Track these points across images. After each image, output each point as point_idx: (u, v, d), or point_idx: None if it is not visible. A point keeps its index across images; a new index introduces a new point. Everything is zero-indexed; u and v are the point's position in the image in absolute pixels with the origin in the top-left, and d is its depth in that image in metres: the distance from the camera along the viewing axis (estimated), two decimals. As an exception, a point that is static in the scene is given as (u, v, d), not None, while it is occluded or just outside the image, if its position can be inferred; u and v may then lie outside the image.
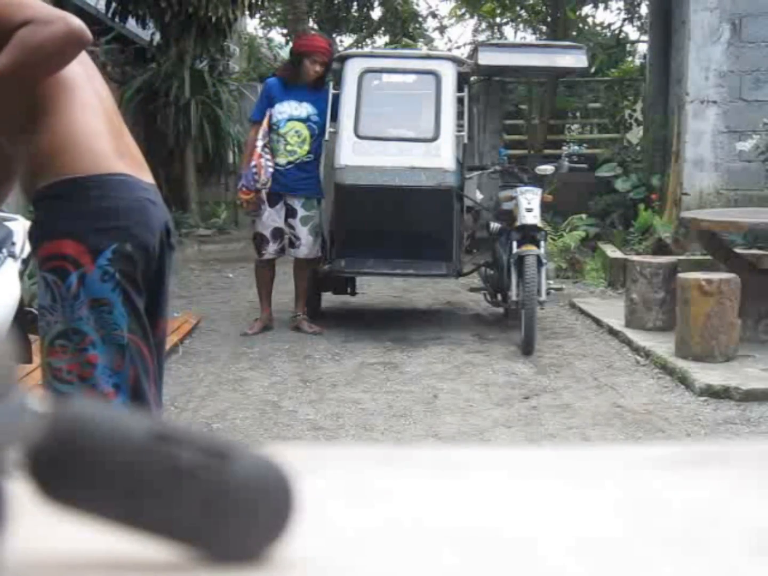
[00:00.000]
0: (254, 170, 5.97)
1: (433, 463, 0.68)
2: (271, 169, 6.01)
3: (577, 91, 14.13)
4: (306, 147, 6.11)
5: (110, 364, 2.11)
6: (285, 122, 6.11)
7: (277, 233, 6.14)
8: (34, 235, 2.14)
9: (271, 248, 6.16)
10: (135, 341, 2.13)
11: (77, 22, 1.97)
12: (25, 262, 3.02)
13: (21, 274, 3.01)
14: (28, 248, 2.85)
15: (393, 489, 0.62)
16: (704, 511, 0.59)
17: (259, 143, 6.06)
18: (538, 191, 6.27)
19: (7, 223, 2.84)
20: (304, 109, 6.14)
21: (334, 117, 6.17)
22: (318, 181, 6.22)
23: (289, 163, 6.09)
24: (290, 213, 6.15)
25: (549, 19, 15.41)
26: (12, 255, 2.91)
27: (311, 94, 6.14)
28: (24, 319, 2.94)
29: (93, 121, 2.10)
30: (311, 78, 6.09)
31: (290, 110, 6.13)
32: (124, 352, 2.11)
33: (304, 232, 6.14)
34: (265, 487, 0.50)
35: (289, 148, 6.10)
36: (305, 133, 6.11)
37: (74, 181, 2.04)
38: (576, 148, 13.88)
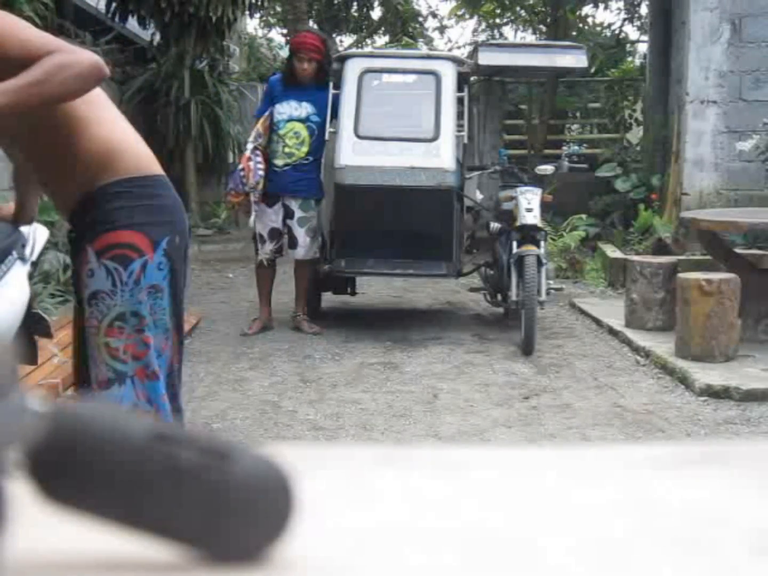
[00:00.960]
0: (242, 173, 5.97)
1: (433, 463, 0.68)
2: (261, 172, 6.00)
3: (577, 91, 14.14)
4: (304, 148, 6.10)
5: (158, 346, 2.34)
6: (284, 123, 6.10)
7: (275, 233, 6.14)
8: (87, 230, 2.32)
9: (268, 248, 6.16)
10: (172, 325, 2.38)
11: (99, 58, 2.17)
12: (33, 264, 3.09)
13: (30, 276, 3.05)
14: (37, 251, 3.03)
15: (393, 489, 0.62)
16: (704, 511, 0.59)
17: (249, 146, 6.06)
18: (538, 191, 6.27)
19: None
20: (304, 109, 6.13)
21: (334, 117, 6.17)
22: (316, 182, 6.20)
23: (286, 164, 6.09)
24: (288, 214, 6.15)
25: (549, 19, 15.40)
26: (22, 258, 2.96)
27: (312, 93, 6.13)
28: (30, 321, 2.98)
29: (129, 129, 2.40)
30: (301, 76, 6.08)
31: (290, 111, 6.12)
32: (168, 335, 2.36)
33: (301, 234, 6.14)
34: (265, 487, 0.50)
35: (287, 150, 6.09)
36: (304, 134, 6.11)
37: (131, 181, 2.31)
38: (576, 148, 13.88)
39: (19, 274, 2.92)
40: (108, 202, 2.29)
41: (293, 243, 6.17)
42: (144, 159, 2.39)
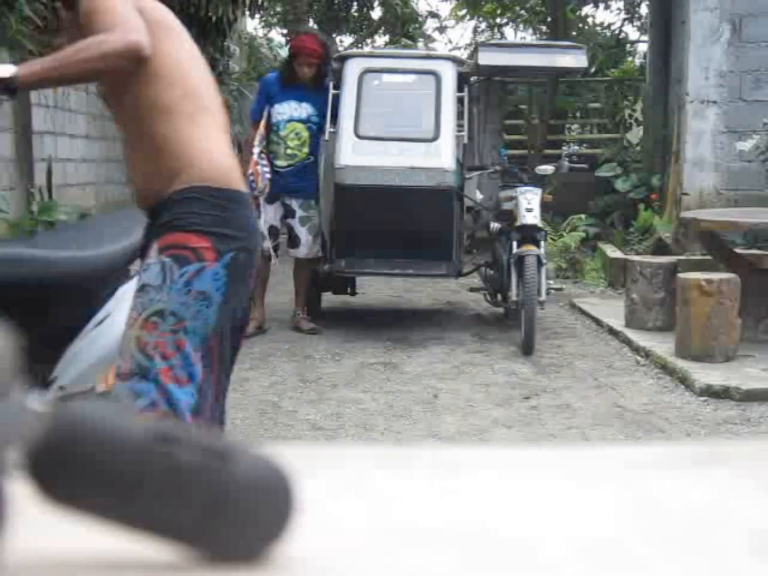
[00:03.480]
0: (251, 178, 5.94)
1: (433, 463, 0.68)
2: (268, 175, 5.99)
3: (577, 91, 14.14)
4: (305, 149, 6.09)
5: (191, 354, 2.26)
6: (285, 124, 6.09)
7: (272, 231, 6.14)
8: (156, 228, 2.35)
9: (265, 245, 6.12)
10: (215, 344, 2.30)
11: (138, 41, 2.19)
12: (289, 232, 3.44)
13: None
14: None
15: (393, 489, 0.62)
16: (704, 511, 0.59)
17: (255, 150, 6.02)
18: (538, 191, 6.27)
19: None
20: (304, 109, 6.12)
21: (335, 117, 6.16)
22: (316, 182, 6.21)
23: (289, 165, 6.08)
24: (288, 213, 6.15)
25: (549, 19, 15.41)
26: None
27: (311, 93, 6.12)
28: None
29: (222, 138, 2.43)
30: (303, 78, 6.08)
31: (290, 111, 6.11)
32: (205, 348, 2.28)
33: (303, 232, 6.13)
34: (265, 487, 0.50)
35: (289, 151, 6.08)
36: (305, 134, 6.10)
37: (209, 189, 2.32)
38: (576, 148, 13.88)
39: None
40: (183, 204, 2.33)
41: (295, 242, 6.17)
42: (228, 172, 2.41)
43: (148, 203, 2.40)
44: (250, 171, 5.96)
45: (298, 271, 6.29)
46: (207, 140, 2.40)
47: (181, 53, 2.42)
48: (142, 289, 2.31)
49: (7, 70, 2.19)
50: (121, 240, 2.85)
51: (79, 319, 2.75)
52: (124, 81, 2.28)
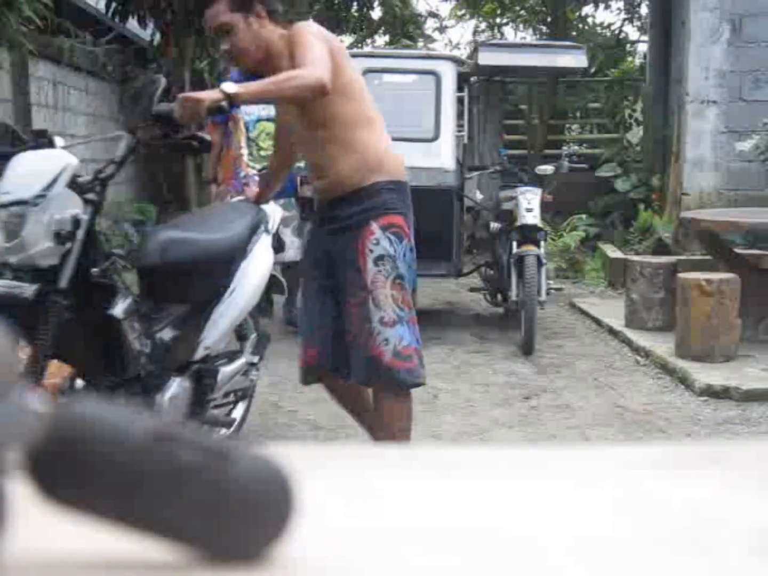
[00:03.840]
0: (244, 180, 5.75)
1: (433, 463, 0.68)
2: (257, 177, 5.69)
3: (577, 91, 14.13)
4: None
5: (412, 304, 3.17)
6: (254, 124, 5.85)
7: None
8: (367, 211, 3.09)
9: None
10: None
11: (322, 79, 2.83)
12: (273, 235, 3.82)
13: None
14: (275, 225, 3.81)
15: (393, 489, 0.62)
16: (704, 511, 0.59)
17: (245, 151, 5.77)
18: (538, 191, 6.27)
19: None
20: (272, 107, 5.97)
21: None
22: (294, 180, 5.90)
23: (264, 168, 5.86)
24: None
25: (549, 19, 15.40)
26: (267, 231, 3.69)
27: None
28: (269, 282, 3.70)
29: (387, 139, 3.20)
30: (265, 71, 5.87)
31: (257, 110, 5.82)
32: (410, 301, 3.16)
33: (287, 234, 5.87)
34: (265, 487, 0.50)
35: (262, 153, 5.79)
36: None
37: (395, 182, 3.13)
38: (576, 148, 13.87)
39: (265, 242, 3.65)
40: (382, 194, 3.09)
41: (281, 246, 5.88)
42: (399, 167, 3.19)
43: (337, 193, 3.11)
44: (243, 173, 5.77)
45: (287, 276, 5.83)
46: (383, 142, 3.16)
47: (354, 74, 3.13)
48: (381, 258, 3.08)
49: (230, 87, 2.79)
50: (236, 226, 3.43)
51: (217, 290, 3.34)
52: (322, 99, 2.90)
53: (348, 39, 18.17)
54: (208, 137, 3.21)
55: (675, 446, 0.79)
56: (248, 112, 5.85)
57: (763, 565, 0.51)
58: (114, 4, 11.43)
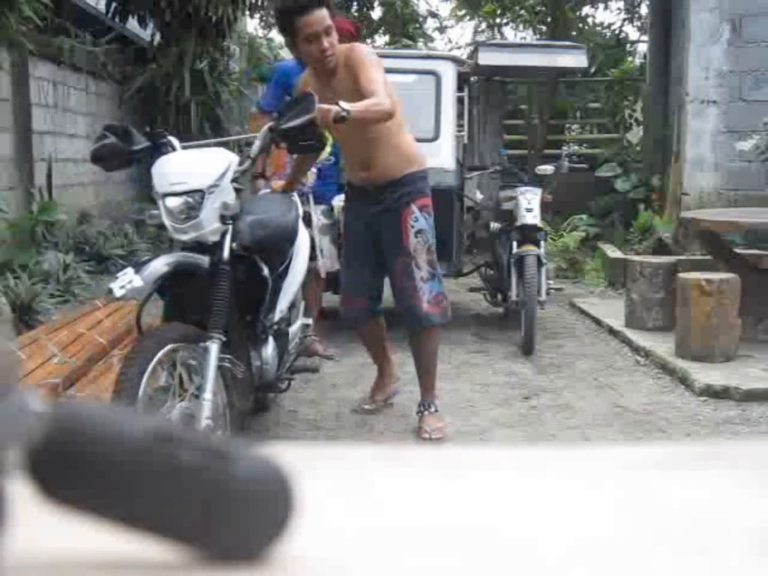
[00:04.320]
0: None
1: (433, 463, 0.68)
2: (313, 170, 5.41)
3: (577, 91, 14.13)
4: (328, 148, 5.19)
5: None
6: None
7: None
8: (406, 195, 4.12)
9: (320, 262, 5.44)
10: None
11: (392, 106, 3.82)
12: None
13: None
14: (301, 211, 4.42)
15: (393, 489, 0.62)
16: (704, 511, 0.59)
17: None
18: (538, 191, 6.27)
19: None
20: None
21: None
22: (337, 186, 5.60)
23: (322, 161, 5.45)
24: (306, 223, 5.11)
25: (549, 19, 15.40)
26: (299, 215, 4.33)
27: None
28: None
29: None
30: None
31: None
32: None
33: (326, 243, 5.62)
34: (265, 487, 0.50)
35: None
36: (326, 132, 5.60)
37: (425, 171, 4.23)
38: (576, 148, 13.88)
39: (302, 225, 4.38)
40: (417, 181, 4.15)
41: (316, 255, 5.30)
42: (424, 157, 4.29)
43: (381, 182, 4.09)
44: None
45: (315, 286, 5.53)
46: (412, 139, 4.23)
47: (391, 84, 3.95)
48: (420, 232, 4.14)
49: (347, 106, 3.58)
50: (290, 211, 4.15)
51: (285, 263, 4.05)
52: None
53: (348, 39, 18.18)
54: (324, 138, 3.81)
55: (675, 446, 0.79)
56: None
57: (763, 565, 0.51)
58: (114, 4, 11.42)
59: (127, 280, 3.17)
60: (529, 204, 6.12)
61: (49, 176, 8.93)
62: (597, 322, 6.77)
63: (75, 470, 0.48)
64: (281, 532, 0.50)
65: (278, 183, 5.14)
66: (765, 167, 8.02)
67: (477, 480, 0.64)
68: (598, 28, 16.39)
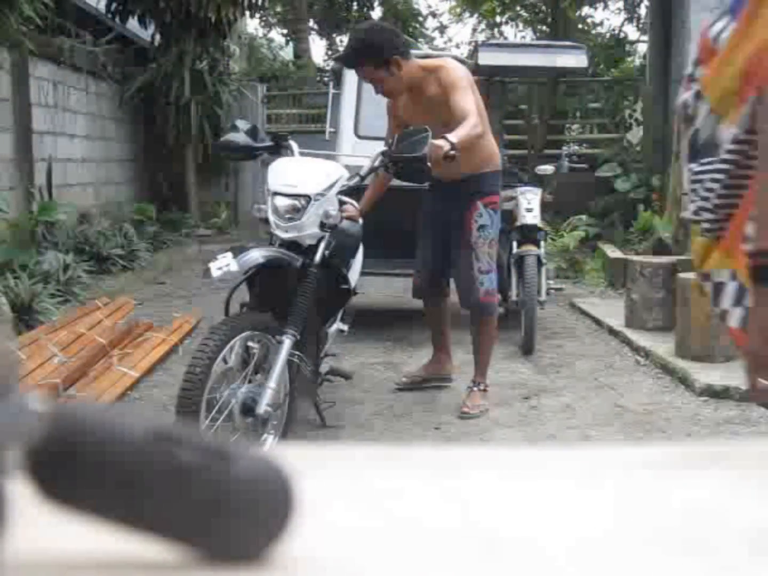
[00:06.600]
0: None
1: (433, 463, 0.68)
2: None
3: (577, 91, 14.13)
4: None
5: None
6: None
7: None
8: (477, 191, 4.53)
9: None
10: None
11: (482, 129, 4.19)
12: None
13: None
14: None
15: (393, 489, 0.62)
16: (704, 511, 0.59)
17: None
18: (538, 191, 6.27)
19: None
20: None
21: (335, 117, 6.14)
22: None
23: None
24: None
25: (549, 19, 15.40)
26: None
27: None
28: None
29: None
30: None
31: None
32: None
33: None
34: (265, 487, 0.50)
35: None
36: None
37: (498, 171, 4.64)
38: (576, 148, 13.88)
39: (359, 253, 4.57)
40: (489, 180, 4.55)
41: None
42: (499, 158, 4.70)
43: (457, 177, 4.43)
44: None
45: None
46: (493, 140, 4.62)
47: (477, 92, 4.32)
48: (482, 227, 4.52)
49: (454, 137, 3.84)
50: (358, 225, 4.36)
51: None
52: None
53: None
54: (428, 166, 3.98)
55: (675, 446, 0.79)
56: None
57: (763, 565, 0.51)
58: (114, 4, 11.43)
59: (225, 263, 3.38)
60: (529, 204, 6.13)
61: (49, 176, 8.94)
62: (597, 322, 6.77)
63: (75, 470, 0.48)
64: (281, 532, 0.50)
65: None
66: (765, 167, 8.01)
67: (477, 480, 0.64)
68: (599, 28, 16.40)
